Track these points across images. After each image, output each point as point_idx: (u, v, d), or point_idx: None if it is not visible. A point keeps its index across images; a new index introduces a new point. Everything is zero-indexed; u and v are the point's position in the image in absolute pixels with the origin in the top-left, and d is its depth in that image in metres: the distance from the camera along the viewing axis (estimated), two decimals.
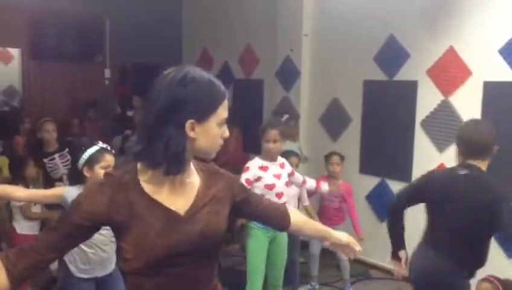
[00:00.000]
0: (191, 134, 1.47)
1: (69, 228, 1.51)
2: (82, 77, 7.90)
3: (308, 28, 6.07)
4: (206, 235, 1.56)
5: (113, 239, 3.12)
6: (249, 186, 3.52)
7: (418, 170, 5.10)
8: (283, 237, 3.94)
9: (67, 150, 4.84)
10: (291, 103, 6.22)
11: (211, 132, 1.51)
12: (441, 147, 4.91)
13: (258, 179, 3.79)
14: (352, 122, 5.72)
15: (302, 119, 6.14)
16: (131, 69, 8.58)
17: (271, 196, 3.71)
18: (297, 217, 1.89)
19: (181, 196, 1.56)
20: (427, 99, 5.00)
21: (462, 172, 2.76)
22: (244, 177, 3.74)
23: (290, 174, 4.02)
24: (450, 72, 4.80)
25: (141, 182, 1.53)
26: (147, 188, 1.52)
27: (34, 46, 7.49)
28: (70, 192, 2.99)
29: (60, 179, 4.67)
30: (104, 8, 7.52)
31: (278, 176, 3.87)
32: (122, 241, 1.54)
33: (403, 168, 5.19)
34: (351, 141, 5.67)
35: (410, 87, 5.10)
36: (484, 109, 4.56)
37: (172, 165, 1.48)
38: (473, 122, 2.99)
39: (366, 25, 5.47)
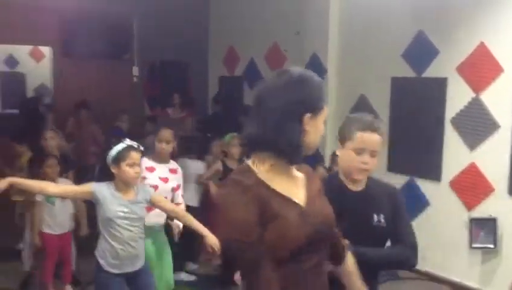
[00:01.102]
0: (307, 127, 1.64)
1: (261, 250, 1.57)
2: (111, 74, 8.04)
3: (335, 24, 6.01)
4: (328, 224, 1.71)
5: (142, 235, 3.17)
6: None
7: (448, 168, 5.02)
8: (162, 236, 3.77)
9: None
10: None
11: (319, 127, 1.70)
12: (472, 144, 4.80)
13: (142, 179, 3.49)
14: (380, 119, 5.64)
15: (329, 116, 6.08)
16: (159, 67, 8.67)
17: None
18: (351, 261, 1.93)
19: (297, 188, 1.70)
20: (458, 97, 4.89)
21: None
22: None
23: (175, 189, 3.79)
24: (481, 68, 4.69)
25: (265, 181, 1.63)
26: (272, 185, 1.63)
27: (64, 44, 7.66)
28: (99, 188, 3.06)
29: None
30: (133, 7, 7.62)
31: (165, 180, 3.70)
32: (264, 233, 1.59)
33: (432, 167, 5.10)
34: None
35: (440, 84, 5.00)
36: None
37: (295, 155, 1.64)
38: None
39: (394, 21, 5.39)
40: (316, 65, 6.17)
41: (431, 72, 5.12)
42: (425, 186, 5.22)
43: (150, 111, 8.44)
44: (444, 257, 5.11)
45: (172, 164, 3.86)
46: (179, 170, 3.90)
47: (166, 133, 3.69)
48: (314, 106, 1.67)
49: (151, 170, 3.69)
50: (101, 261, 3.10)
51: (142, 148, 3.19)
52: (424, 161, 5.19)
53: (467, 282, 4.89)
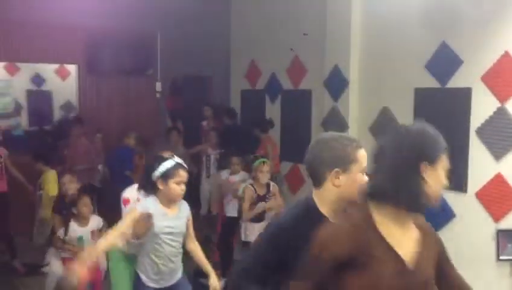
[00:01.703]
0: (425, 176, 1.71)
1: (320, 276, 1.62)
2: (135, 90, 8.19)
3: (357, 36, 6.02)
4: (428, 288, 1.71)
5: (181, 250, 3.19)
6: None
7: (474, 179, 4.95)
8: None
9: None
10: (339, 112, 6.19)
11: (439, 177, 1.78)
12: (498, 155, 4.74)
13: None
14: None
15: (351, 128, 6.08)
16: (182, 82, 8.79)
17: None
18: None
19: (408, 240, 1.70)
20: (482, 107, 4.84)
21: None
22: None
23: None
24: (505, 78, 4.64)
25: (376, 224, 1.65)
26: (382, 230, 1.64)
27: (89, 62, 7.83)
28: (145, 207, 3.04)
29: None
30: (156, 24, 7.76)
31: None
32: (351, 277, 1.60)
33: (458, 178, 5.03)
34: None
35: (464, 95, 4.96)
36: None
37: (413, 204, 1.67)
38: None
39: (416, 31, 5.37)
40: (338, 77, 6.18)
41: (455, 82, 5.08)
42: (451, 197, 5.14)
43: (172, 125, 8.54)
44: (471, 269, 5.00)
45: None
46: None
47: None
48: (429, 155, 1.75)
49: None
50: (142, 276, 3.14)
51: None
52: (450, 172, 5.10)
53: None
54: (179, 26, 7.69)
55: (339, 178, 1.92)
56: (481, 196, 4.90)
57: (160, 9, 7.51)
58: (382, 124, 5.86)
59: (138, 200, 3.27)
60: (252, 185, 5.01)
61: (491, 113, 4.78)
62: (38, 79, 9.24)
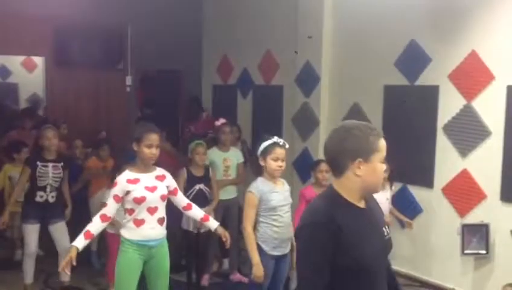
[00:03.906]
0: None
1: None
2: (104, 84, 8.02)
3: (329, 33, 6.06)
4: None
5: None
6: (118, 203, 3.32)
7: (441, 175, 5.06)
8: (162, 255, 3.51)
9: (62, 163, 4.62)
10: (310, 108, 6.22)
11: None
12: (463, 152, 4.85)
13: (127, 193, 3.32)
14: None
15: (321, 124, 6.13)
16: (153, 76, 8.68)
17: (141, 211, 3.33)
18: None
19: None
20: (449, 104, 4.94)
21: None
22: (112, 193, 3.36)
23: (172, 192, 3.52)
24: (472, 76, 4.75)
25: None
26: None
27: (57, 54, 7.64)
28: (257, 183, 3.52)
29: (44, 188, 4.52)
30: (126, 17, 7.63)
31: (152, 189, 3.38)
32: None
33: (425, 174, 5.13)
34: None
35: (432, 92, 5.05)
36: (508, 114, 4.50)
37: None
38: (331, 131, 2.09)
39: (386, 30, 5.44)
40: (309, 73, 6.21)
41: (423, 80, 5.17)
42: (418, 193, 5.25)
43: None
44: (437, 263, 5.13)
45: (160, 171, 3.52)
46: (169, 176, 3.56)
47: (153, 138, 3.33)
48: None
49: (135, 181, 3.37)
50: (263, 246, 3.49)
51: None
52: (417, 168, 5.21)
53: (459, 288, 4.91)
54: (150, 18, 7.56)
55: (360, 168, 1.88)
56: (447, 191, 5.01)
57: (131, 0, 7.39)
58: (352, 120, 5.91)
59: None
60: (186, 167, 4.88)
61: (457, 110, 4.88)
62: (4, 71, 9.01)
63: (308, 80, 6.25)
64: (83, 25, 7.49)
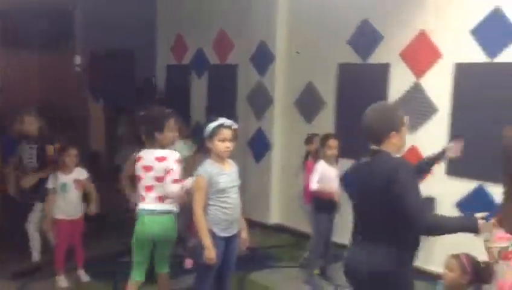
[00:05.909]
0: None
1: None
2: (52, 64, 7.75)
3: (283, 12, 6.06)
4: None
5: None
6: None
7: None
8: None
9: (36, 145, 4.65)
10: (265, 87, 6.24)
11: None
12: (412, 128, 4.98)
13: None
14: (327, 105, 5.77)
15: (276, 103, 6.16)
16: (103, 56, 8.44)
17: (141, 190, 3.63)
18: None
19: None
20: (400, 82, 5.07)
21: (365, 160, 2.75)
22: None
23: (167, 172, 3.60)
24: (421, 54, 4.88)
25: None
26: None
27: (2, 34, 7.30)
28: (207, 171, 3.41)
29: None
30: None
31: (148, 168, 3.62)
32: None
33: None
34: (325, 124, 5.72)
35: (383, 70, 5.16)
36: (455, 90, 4.66)
37: None
38: (369, 109, 2.83)
39: (339, 9, 5.49)
40: (264, 52, 6.21)
41: (375, 58, 5.27)
42: None
43: (94, 102, 8.22)
44: None
45: (162, 152, 3.64)
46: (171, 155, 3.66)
47: (172, 123, 3.71)
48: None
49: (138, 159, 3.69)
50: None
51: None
52: (368, 144, 5.32)
53: None
54: None
55: (395, 138, 2.61)
56: None
57: None
58: (306, 99, 5.98)
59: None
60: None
61: (407, 88, 5.01)
62: None
63: (262, 59, 6.25)
64: (28, 4, 7.17)
